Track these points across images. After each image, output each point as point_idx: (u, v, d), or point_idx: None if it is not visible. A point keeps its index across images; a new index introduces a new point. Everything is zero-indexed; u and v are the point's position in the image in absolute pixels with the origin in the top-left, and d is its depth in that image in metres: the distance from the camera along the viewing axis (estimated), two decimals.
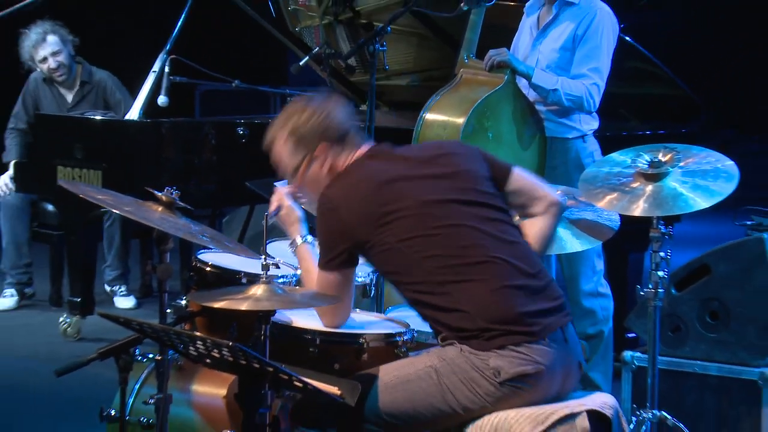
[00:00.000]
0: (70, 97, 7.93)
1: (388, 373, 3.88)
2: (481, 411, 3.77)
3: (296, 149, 4.03)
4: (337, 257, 3.94)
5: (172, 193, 4.03)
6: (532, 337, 3.77)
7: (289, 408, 3.87)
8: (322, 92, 4.14)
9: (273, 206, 4.23)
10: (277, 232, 4.77)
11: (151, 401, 4.01)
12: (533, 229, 4.11)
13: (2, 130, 7.95)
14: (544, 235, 4.12)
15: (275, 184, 5.34)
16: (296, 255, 4.21)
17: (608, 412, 3.83)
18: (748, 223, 6.19)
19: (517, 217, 4.15)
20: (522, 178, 4.11)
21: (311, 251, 4.16)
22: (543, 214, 4.12)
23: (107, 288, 8.10)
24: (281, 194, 4.23)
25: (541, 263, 3.99)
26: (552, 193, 4.15)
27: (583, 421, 3.75)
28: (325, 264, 3.97)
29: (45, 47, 7.79)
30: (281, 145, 4.07)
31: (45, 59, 7.80)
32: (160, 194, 4.04)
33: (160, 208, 4.02)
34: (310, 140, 4.01)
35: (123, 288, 8.08)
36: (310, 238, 4.18)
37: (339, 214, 3.90)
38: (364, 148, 4.04)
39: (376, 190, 3.91)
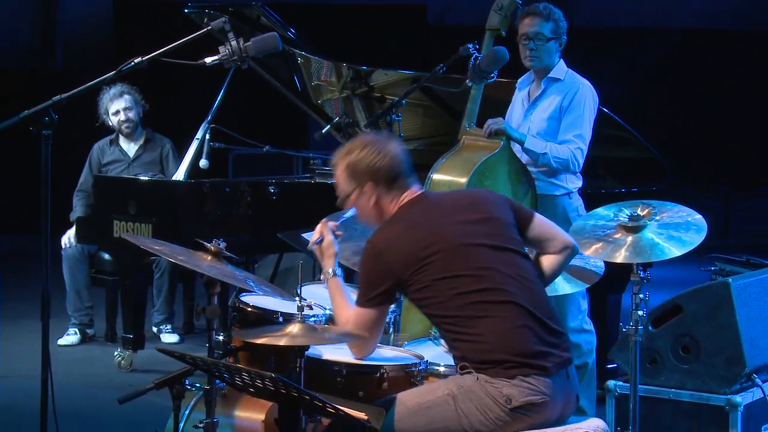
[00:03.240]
0: (131, 152, 7.92)
1: (410, 398, 3.86)
2: None
3: (349, 180, 4.02)
4: (377, 296, 3.92)
5: (219, 244, 4.01)
6: (541, 371, 3.76)
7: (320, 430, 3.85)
8: (386, 134, 4.10)
9: (316, 236, 4.15)
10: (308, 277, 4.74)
11: (200, 425, 3.99)
12: (546, 263, 4.14)
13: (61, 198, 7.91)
14: (553, 270, 4.15)
15: (302, 235, 5.34)
16: (327, 286, 4.13)
17: None
18: (713, 268, 6.18)
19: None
20: (542, 223, 4.12)
21: (342, 285, 4.10)
22: (558, 253, 4.13)
23: (154, 329, 8.06)
24: (325, 227, 4.15)
25: (554, 310, 3.98)
26: (567, 236, 4.17)
27: None
28: (365, 301, 3.93)
29: (120, 102, 7.82)
30: (339, 172, 4.04)
31: (118, 112, 7.83)
32: (209, 245, 4.02)
33: (209, 257, 4.00)
34: (361, 176, 3.99)
35: (169, 326, 8.04)
36: (339, 271, 4.12)
37: (384, 258, 3.88)
38: (408, 194, 4.00)
39: (417, 238, 3.88)
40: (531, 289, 3.91)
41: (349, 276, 5.84)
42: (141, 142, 7.95)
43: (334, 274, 4.11)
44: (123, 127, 7.87)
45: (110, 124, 7.90)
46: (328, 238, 4.14)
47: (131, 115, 7.86)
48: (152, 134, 7.99)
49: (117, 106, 7.83)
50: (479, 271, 3.85)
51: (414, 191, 4.03)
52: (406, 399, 3.85)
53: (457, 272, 3.83)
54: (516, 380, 3.73)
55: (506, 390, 3.73)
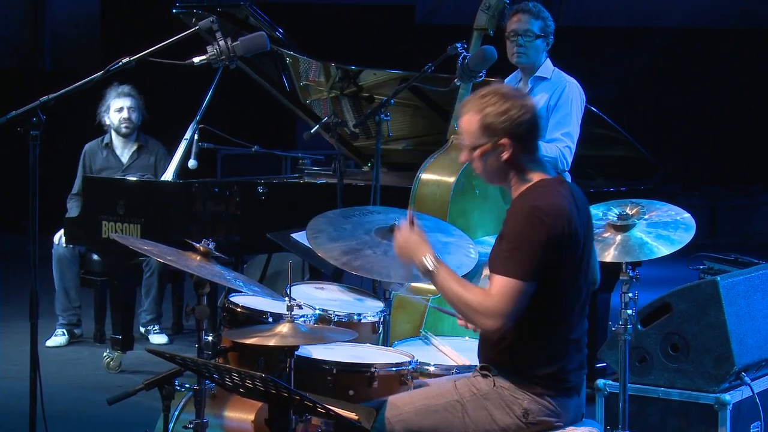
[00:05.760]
0: (125, 158, 7.91)
1: (419, 398, 3.82)
2: None
3: (482, 133, 3.69)
4: (539, 267, 3.60)
5: (208, 244, 3.99)
6: (565, 393, 3.73)
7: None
8: (520, 90, 3.79)
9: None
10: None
11: (190, 426, 3.98)
12: None
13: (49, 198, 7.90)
14: None
15: (292, 235, 5.33)
16: (439, 273, 3.71)
17: None
18: (701, 267, 6.19)
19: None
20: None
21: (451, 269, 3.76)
22: None
23: (142, 329, 8.04)
24: (407, 226, 3.80)
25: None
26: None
27: None
28: (524, 272, 3.58)
29: (126, 100, 7.83)
30: (469, 121, 3.71)
31: (122, 109, 7.82)
32: (198, 245, 4.01)
33: (198, 257, 3.99)
34: (496, 131, 3.67)
35: (157, 326, 8.02)
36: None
37: (551, 227, 3.59)
38: (544, 175, 3.74)
39: (571, 218, 3.65)
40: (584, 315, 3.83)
41: (339, 275, 5.86)
42: (134, 147, 7.92)
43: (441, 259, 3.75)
44: (122, 127, 7.84)
45: (107, 122, 7.87)
46: (417, 228, 3.79)
47: (133, 116, 7.86)
48: (146, 140, 7.98)
49: (122, 104, 7.82)
50: (578, 291, 3.73)
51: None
52: (416, 398, 3.82)
53: (573, 286, 3.69)
54: (541, 398, 3.69)
55: (527, 404, 3.69)
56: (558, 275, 3.64)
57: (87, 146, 7.98)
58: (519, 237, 3.61)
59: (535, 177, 3.74)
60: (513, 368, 3.72)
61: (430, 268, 3.70)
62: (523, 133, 3.69)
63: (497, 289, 3.60)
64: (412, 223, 3.81)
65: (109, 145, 7.92)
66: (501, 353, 3.75)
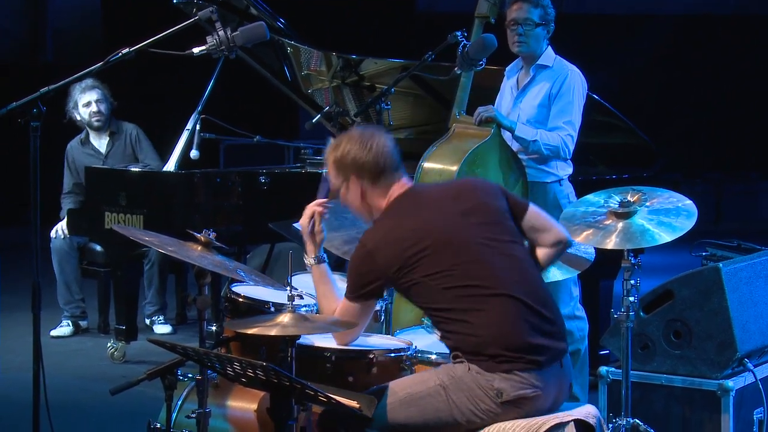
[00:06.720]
0: (103, 148, 7.91)
1: (402, 389, 3.85)
2: (482, 423, 3.76)
3: (336, 174, 4.02)
4: (366, 292, 3.93)
5: (209, 234, 3.99)
6: (534, 365, 3.74)
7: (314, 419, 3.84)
8: (374, 127, 4.11)
9: (306, 219, 4.17)
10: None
11: (193, 415, 3.98)
12: (538, 255, 4.09)
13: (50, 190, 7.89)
14: (544, 263, 4.12)
15: (294, 225, 5.33)
16: (312, 271, 4.15)
17: (592, 421, 3.83)
18: (704, 254, 6.18)
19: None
20: (537, 214, 4.07)
21: (328, 272, 4.13)
22: (550, 246, 4.08)
23: (147, 321, 8.05)
24: (317, 212, 4.16)
25: (550, 298, 3.95)
26: (562, 230, 4.13)
27: (571, 430, 3.74)
28: (353, 297, 3.95)
29: (92, 94, 7.82)
30: (329, 166, 4.05)
31: (89, 103, 7.83)
32: (198, 235, 4.00)
33: (199, 248, 3.99)
34: (346, 170, 3.99)
35: (161, 317, 8.03)
36: (324, 257, 4.16)
37: (373, 257, 3.87)
38: (397, 188, 3.98)
39: (405, 236, 3.86)
40: (526, 278, 3.87)
41: (340, 265, 5.85)
42: (108, 136, 7.94)
43: (320, 261, 4.13)
44: (93, 120, 7.85)
45: (78, 117, 7.88)
46: (319, 226, 4.15)
47: (102, 108, 7.86)
48: (116, 124, 7.99)
49: (89, 98, 7.82)
50: (469, 264, 3.81)
51: (403, 184, 4.00)
52: (398, 389, 3.84)
53: (447, 267, 3.81)
54: (509, 374, 3.72)
55: (498, 383, 3.72)
56: (422, 277, 3.81)
57: (69, 145, 8.03)
58: (350, 264, 4.01)
59: (385, 202, 3.98)
60: (472, 352, 3.77)
61: (307, 263, 4.16)
62: (367, 170, 3.96)
63: (339, 309, 4.01)
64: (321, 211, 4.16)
65: (87, 140, 7.95)
66: (455, 342, 3.83)
